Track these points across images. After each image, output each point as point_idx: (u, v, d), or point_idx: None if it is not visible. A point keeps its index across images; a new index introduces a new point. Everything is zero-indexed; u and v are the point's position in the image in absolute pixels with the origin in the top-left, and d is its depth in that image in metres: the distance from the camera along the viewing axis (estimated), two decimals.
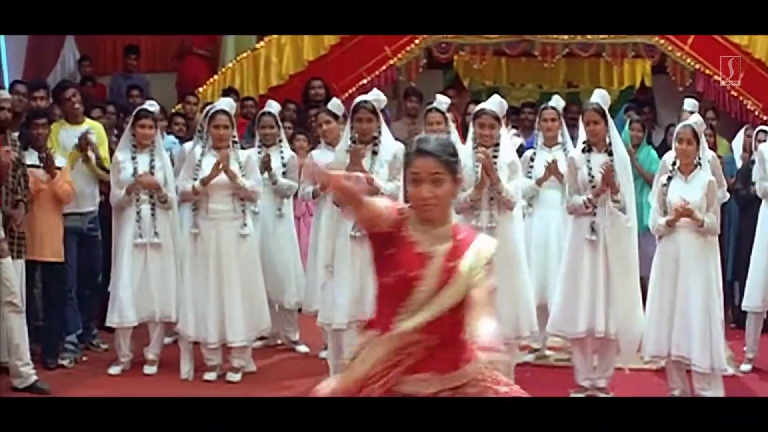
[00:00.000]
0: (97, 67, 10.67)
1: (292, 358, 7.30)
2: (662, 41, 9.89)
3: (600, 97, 6.20)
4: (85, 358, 7.00)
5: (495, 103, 6.29)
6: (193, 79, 10.46)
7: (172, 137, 8.30)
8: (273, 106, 7.49)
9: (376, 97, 6.32)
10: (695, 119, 6.23)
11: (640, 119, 9.05)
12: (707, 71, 9.94)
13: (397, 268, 3.22)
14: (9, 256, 5.94)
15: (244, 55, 10.36)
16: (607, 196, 6.00)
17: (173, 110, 9.40)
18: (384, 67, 10.22)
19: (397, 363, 3.29)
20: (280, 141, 7.39)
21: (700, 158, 6.06)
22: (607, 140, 6.13)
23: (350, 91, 10.12)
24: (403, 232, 3.23)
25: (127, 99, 9.27)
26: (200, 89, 10.12)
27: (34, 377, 6.10)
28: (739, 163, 8.46)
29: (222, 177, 6.35)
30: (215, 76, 10.34)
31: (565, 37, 9.87)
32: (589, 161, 6.14)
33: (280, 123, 7.45)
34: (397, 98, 10.66)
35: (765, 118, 9.71)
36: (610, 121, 6.20)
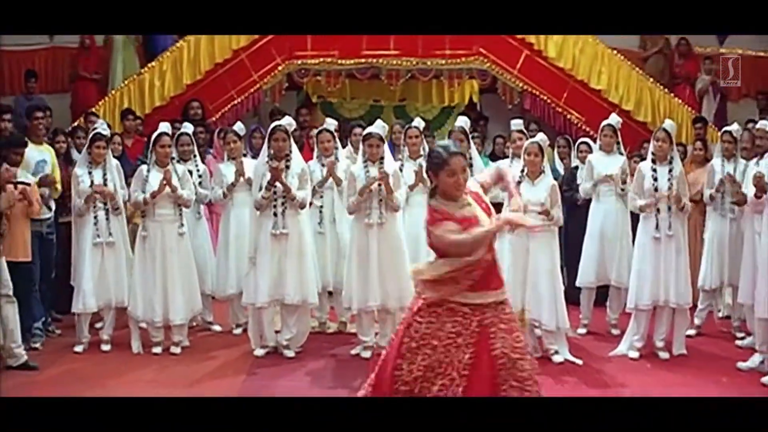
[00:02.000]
0: None
1: (211, 335, 8.87)
2: (494, 66, 11.89)
3: (463, 122, 8.11)
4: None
5: (379, 127, 8.07)
6: (85, 100, 11.71)
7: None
8: (188, 127, 8.97)
9: (288, 122, 8.01)
10: (541, 137, 8.14)
11: (479, 135, 10.96)
12: (534, 91, 11.99)
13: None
14: (3, 257, 7.18)
15: (131, 79, 11.70)
16: None
17: (72, 126, 10.60)
18: (252, 90, 11.81)
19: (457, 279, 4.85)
20: (195, 156, 8.91)
21: (543, 167, 7.98)
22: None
23: (223, 110, 11.76)
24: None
25: (30, 120, 10.35)
26: (93, 109, 11.35)
27: (25, 357, 7.40)
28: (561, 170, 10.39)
29: (166, 188, 7.86)
30: (106, 98, 11.63)
31: (413, 61, 11.76)
32: None
33: (194, 141, 8.98)
34: (257, 115, 12.29)
35: (587, 129, 11.74)
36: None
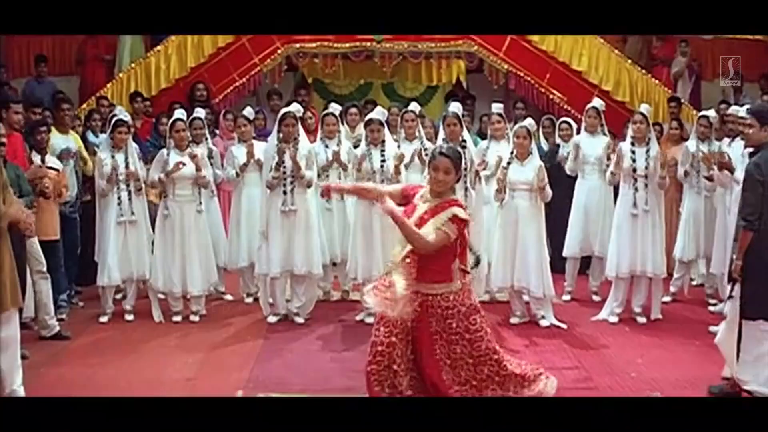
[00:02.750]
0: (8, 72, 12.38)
1: (224, 304, 9.54)
2: (481, 49, 12.49)
3: (456, 107, 8.77)
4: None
5: (379, 113, 8.73)
6: (94, 83, 12.28)
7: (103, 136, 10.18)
8: (200, 112, 9.56)
9: (297, 108, 8.64)
10: (529, 122, 8.79)
11: (467, 114, 11.55)
12: (518, 72, 12.62)
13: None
14: (35, 236, 7.75)
15: (137, 62, 12.26)
16: None
17: (88, 108, 11.18)
18: (253, 72, 12.40)
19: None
20: (206, 139, 9.54)
21: (531, 149, 8.65)
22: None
23: (226, 92, 12.35)
24: (411, 201, 5.62)
25: (57, 111, 9.83)
26: (101, 91, 11.94)
27: (58, 328, 8.02)
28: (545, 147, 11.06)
29: (186, 170, 8.50)
30: (114, 81, 12.19)
31: (405, 44, 12.37)
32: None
33: (205, 124, 9.60)
34: (256, 95, 12.88)
35: (568, 108, 12.43)
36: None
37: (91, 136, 10.08)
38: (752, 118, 6.69)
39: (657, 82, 12.97)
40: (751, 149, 6.82)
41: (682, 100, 12.77)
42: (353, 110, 10.58)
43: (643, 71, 12.98)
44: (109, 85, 12.15)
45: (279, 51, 12.34)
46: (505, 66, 12.63)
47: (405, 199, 5.72)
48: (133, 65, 12.29)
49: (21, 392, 6.18)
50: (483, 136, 10.83)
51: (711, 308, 9.40)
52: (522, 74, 12.65)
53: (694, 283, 10.17)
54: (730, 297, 6.63)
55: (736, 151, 8.61)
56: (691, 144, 9.59)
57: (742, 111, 8.58)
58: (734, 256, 6.53)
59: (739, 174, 8.05)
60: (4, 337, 6.04)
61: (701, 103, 13.42)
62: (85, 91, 12.52)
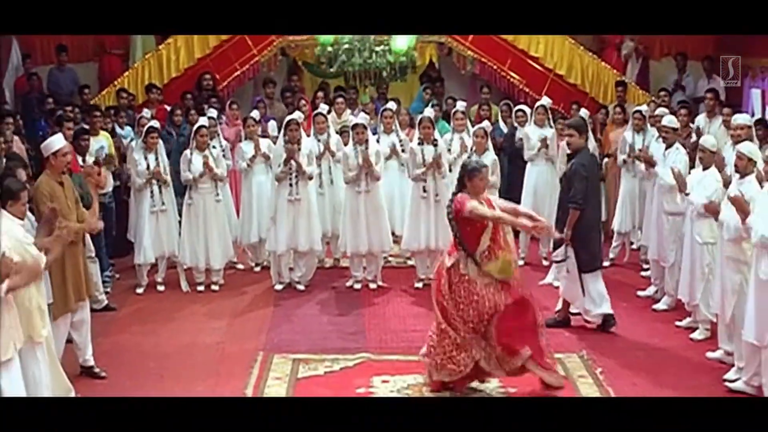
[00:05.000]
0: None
1: (237, 273, 11.41)
2: (450, 40, 14.05)
3: (430, 112, 10.58)
4: None
5: (362, 118, 10.64)
6: (111, 73, 13.95)
7: (128, 128, 11.95)
8: (212, 113, 11.37)
9: (299, 115, 10.47)
10: (485, 123, 10.60)
11: (438, 104, 13.15)
12: (482, 59, 14.19)
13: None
14: None
15: (150, 54, 13.89)
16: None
17: (111, 105, 12.87)
18: (252, 62, 14.03)
19: None
20: (218, 134, 11.30)
21: (487, 145, 10.39)
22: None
23: (228, 80, 14.03)
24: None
25: (90, 118, 11.24)
26: (118, 81, 13.61)
27: (106, 301, 9.80)
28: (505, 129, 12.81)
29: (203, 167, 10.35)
30: (129, 71, 13.85)
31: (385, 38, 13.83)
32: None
33: (217, 121, 11.38)
34: (254, 82, 14.50)
35: (527, 90, 14.11)
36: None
37: (118, 130, 11.80)
38: (572, 130, 9.05)
39: (607, 65, 14.50)
40: (569, 152, 9.13)
41: (631, 82, 14.38)
42: (339, 99, 12.56)
43: (594, 56, 14.50)
44: (126, 74, 13.79)
45: (274, 43, 13.95)
46: (471, 54, 14.21)
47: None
48: (146, 57, 13.91)
49: (92, 362, 8.02)
50: (446, 117, 12.56)
51: (642, 273, 11.02)
52: (486, 60, 14.21)
53: (633, 247, 11.75)
54: (563, 260, 8.99)
55: (661, 148, 10.13)
56: (628, 135, 11.32)
57: (673, 122, 10.15)
58: (566, 230, 8.81)
59: (659, 168, 9.85)
60: (78, 320, 7.86)
61: (650, 82, 15.02)
62: (103, 78, 14.17)
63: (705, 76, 14.51)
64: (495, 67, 14.26)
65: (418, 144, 10.49)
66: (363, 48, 8.94)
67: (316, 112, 11.32)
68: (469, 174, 7.51)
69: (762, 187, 7.64)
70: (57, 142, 7.82)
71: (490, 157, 10.40)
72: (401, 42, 9.04)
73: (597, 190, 9.43)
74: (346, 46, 8.93)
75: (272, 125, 12.28)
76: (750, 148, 8.25)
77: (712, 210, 8.18)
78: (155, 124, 10.50)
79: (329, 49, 9.18)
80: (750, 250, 7.55)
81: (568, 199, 8.96)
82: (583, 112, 10.88)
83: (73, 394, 7.19)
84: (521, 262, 11.53)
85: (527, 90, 14.19)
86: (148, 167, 10.28)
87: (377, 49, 9.00)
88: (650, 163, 10.17)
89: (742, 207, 7.43)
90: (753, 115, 13.33)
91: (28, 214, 7.11)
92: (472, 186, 7.49)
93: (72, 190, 7.91)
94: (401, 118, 12.13)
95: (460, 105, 11.50)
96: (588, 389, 7.83)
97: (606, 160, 12.44)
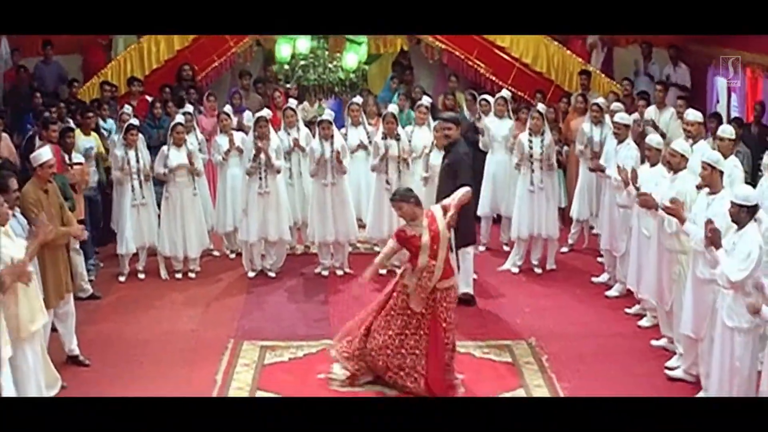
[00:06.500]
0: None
1: (213, 260, 12.06)
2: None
3: (393, 108, 11.19)
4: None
5: (328, 114, 11.14)
6: (95, 64, 14.51)
7: (111, 121, 12.54)
8: (188, 108, 11.97)
9: (267, 113, 11.06)
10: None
11: (405, 93, 13.79)
12: (450, 49, 14.65)
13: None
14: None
15: (132, 47, 14.43)
16: None
17: (94, 98, 13.44)
18: (229, 54, 14.58)
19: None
20: (194, 129, 11.92)
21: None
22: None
23: (207, 70, 14.59)
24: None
25: (83, 118, 11.79)
26: (101, 72, 14.19)
27: (91, 290, 10.44)
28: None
29: (184, 161, 10.95)
30: (112, 63, 14.42)
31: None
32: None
33: (193, 116, 11.99)
34: (231, 72, 15.05)
35: (493, 78, 14.60)
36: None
37: (101, 122, 12.38)
38: (450, 123, 9.94)
39: (572, 54, 14.96)
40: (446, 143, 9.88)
41: (596, 70, 14.86)
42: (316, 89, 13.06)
43: (560, 44, 14.93)
44: (109, 66, 14.35)
45: (249, 35, 14.47)
46: (439, 44, 14.69)
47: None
48: (128, 49, 14.46)
49: (77, 351, 8.69)
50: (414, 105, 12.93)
51: (599, 259, 11.38)
52: (453, 50, 14.68)
53: (594, 231, 12.03)
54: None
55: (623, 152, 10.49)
56: (586, 126, 11.84)
57: (626, 118, 10.68)
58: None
59: (610, 165, 10.33)
60: (62, 313, 8.52)
61: (614, 69, 15.47)
62: (87, 70, 14.72)
63: (671, 63, 14.91)
64: (462, 56, 14.72)
65: (382, 138, 11.12)
66: (318, 64, 9.48)
67: (285, 106, 11.91)
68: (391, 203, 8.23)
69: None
70: (44, 155, 8.48)
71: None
72: (352, 60, 9.60)
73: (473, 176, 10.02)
74: (303, 62, 9.48)
75: (247, 116, 12.82)
76: (683, 145, 8.85)
77: (648, 204, 8.61)
78: (135, 121, 11.10)
79: (286, 66, 9.73)
80: (687, 241, 8.04)
81: (460, 187, 9.09)
82: (541, 107, 11.41)
83: (60, 384, 7.91)
84: (482, 248, 12.24)
85: (494, 79, 14.68)
86: (128, 163, 10.88)
87: (330, 65, 9.53)
88: (602, 170, 10.61)
89: (678, 214, 7.94)
90: (718, 102, 14.13)
91: (21, 218, 7.80)
92: (402, 214, 8.12)
93: (56, 195, 8.55)
94: (369, 109, 12.79)
95: (426, 100, 12.11)
96: (532, 375, 8.47)
97: (566, 148, 13.03)
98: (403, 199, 8.09)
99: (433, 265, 7.92)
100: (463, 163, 9.62)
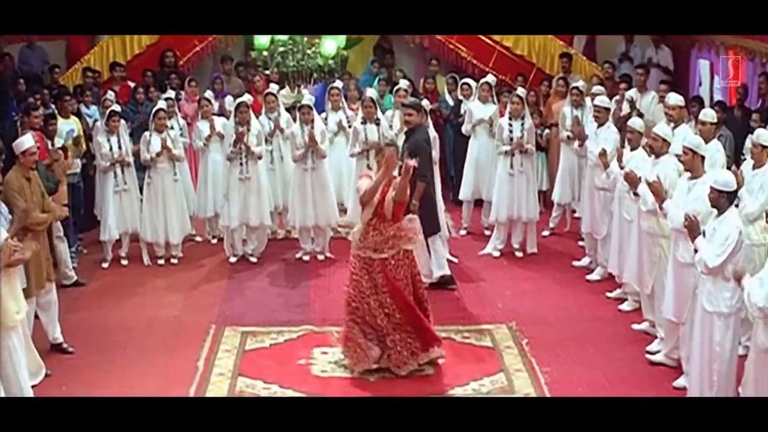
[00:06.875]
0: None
1: (195, 245, 12.11)
2: None
3: (372, 93, 11.22)
4: None
5: (308, 99, 11.18)
6: (77, 50, 14.49)
7: (94, 108, 12.51)
8: (170, 93, 11.99)
9: (248, 98, 11.10)
10: (425, 102, 11.06)
11: (386, 77, 13.83)
12: None
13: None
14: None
15: None
16: None
17: (77, 84, 13.44)
18: (210, 39, 14.57)
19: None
20: (175, 114, 11.95)
21: (427, 122, 10.68)
22: None
23: (188, 56, 14.59)
24: None
25: (61, 101, 11.69)
26: (84, 58, 14.18)
27: (75, 277, 10.46)
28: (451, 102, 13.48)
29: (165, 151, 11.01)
30: (95, 49, 14.39)
31: None
32: None
33: (175, 102, 12.01)
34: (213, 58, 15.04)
35: (474, 62, 14.62)
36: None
37: (84, 109, 12.36)
38: (411, 109, 9.97)
39: (552, 36, 14.81)
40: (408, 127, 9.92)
41: (578, 53, 14.86)
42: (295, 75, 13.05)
43: None
44: (91, 52, 14.33)
45: None
46: None
47: None
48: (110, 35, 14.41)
49: (60, 339, 8.71)
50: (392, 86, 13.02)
51: (580, 243, 11.36)
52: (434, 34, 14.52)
53: (577, 215, 11.90)
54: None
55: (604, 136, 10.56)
56: (567, 110, 11.86)
57: (606, 102, 10.75)
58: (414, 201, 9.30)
59: (590, 144, 10.48)
60: (45, 302, 8.56)
61: (596, 53, 15.40)
62: (71, 56, 14.68)
63: (653, 45, 14.86)
64: (443, 40, 14.71)
65: (362, 123, 11.15)
66: (297, 50, 9.52)
67: (266, 91, 11.95)
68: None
69: None
70: (26, 142, 8.50)
71: (430, 135, 10.92)
72: (330, 46, 9.63)
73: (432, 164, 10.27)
74: (281, 49, 9.50)
75: (229, 100, 12.75)
76: (665, 129, 8.91)
77: (630, 180, 8.61)
78: (117, 108, 11.13)
79: (264, 53, 9.77)
80: (666, 223, 8.10)
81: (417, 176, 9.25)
82: (521, 91, 11.45)
83: (44, 371, 8.00)
84: (464, 232, 12.33)
85: (475, 62, 14.70)
86: (111, 149, 10.90)
87: (309, 51, 9.57)
88: (581, 139, 10.72)
89: (657, 192, 8.00)
90: (701, 84, 14.17)
91: (4, 207, 7.85)
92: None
93: (38, 184, 8.58)
94: (350, 93, 12.85)
95: (404, 83, 12.13)
96: (513, 360, 8.52)
97: (547, 131, 13.09)
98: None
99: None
100: (420, 149, 9.55)
